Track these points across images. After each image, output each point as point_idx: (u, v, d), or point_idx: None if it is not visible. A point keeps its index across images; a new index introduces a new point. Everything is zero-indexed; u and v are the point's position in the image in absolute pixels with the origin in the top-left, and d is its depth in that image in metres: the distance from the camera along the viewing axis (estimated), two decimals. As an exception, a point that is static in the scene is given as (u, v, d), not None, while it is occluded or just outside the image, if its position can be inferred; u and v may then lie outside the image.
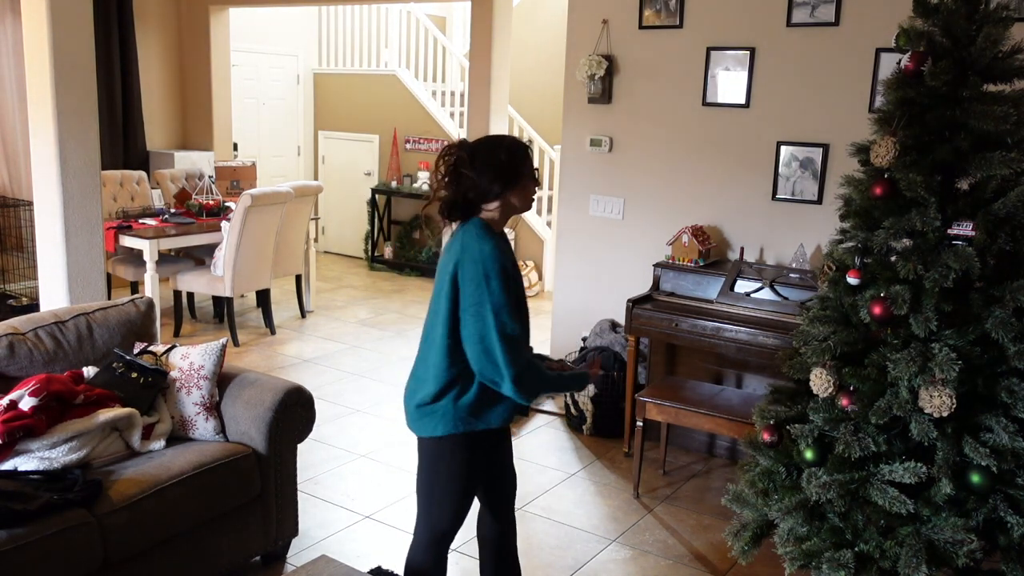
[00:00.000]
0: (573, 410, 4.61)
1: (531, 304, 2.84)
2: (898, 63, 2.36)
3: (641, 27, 4.58)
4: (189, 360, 3.10)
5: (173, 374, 3.08)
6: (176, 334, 6.11)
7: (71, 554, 2.43)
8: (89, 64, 4.17)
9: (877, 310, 2.25)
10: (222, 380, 3.15)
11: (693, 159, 4.52)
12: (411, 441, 4.37)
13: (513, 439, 3.26)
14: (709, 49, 4.39)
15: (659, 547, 3.47)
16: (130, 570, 2.63)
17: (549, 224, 8.05)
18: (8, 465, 2.60)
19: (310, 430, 3.21)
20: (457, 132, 8.38)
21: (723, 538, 2.62)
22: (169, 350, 3.17)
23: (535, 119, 8.70)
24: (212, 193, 6.65)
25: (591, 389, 4.48)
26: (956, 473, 2.20)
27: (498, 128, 6.74)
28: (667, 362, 4.44)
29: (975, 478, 2.17)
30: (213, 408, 3.07)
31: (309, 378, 5.27)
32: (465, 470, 2.38)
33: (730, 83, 4.36)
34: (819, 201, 4.17)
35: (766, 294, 4.06)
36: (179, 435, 3.04)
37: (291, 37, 9.21)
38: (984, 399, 2.23)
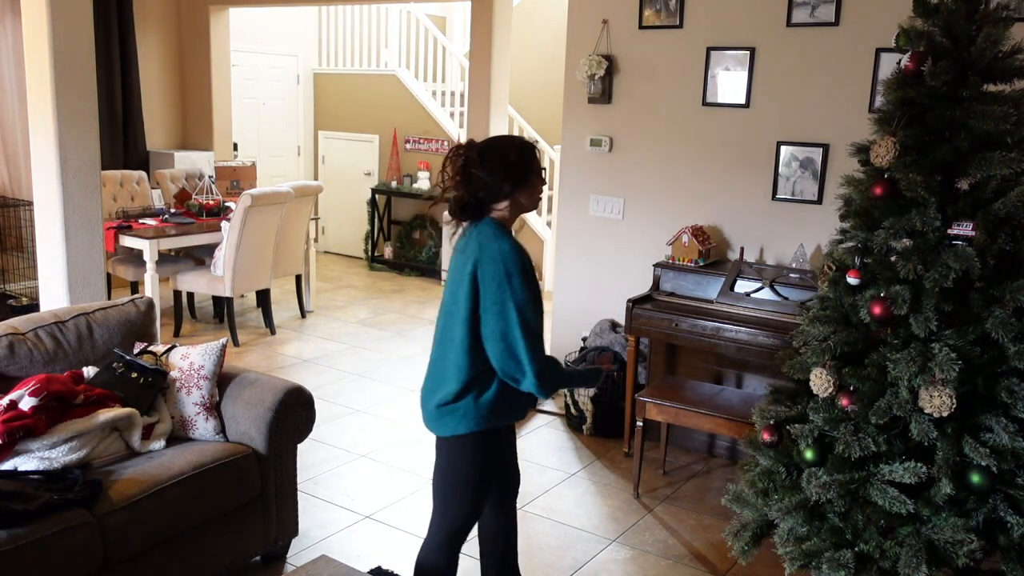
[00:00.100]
0: (573, 410, 4.61)
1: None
2: (898, 63, 2.36)
3: (641, 27, 4.59)
4: (189, 360, 3.11)
5: (173, 374, 3.08)
6: (176, 334, 6.11)
7: (71, 554, 2.43)
8: (89, 64, 4.17)
9: (877, 310, 2.26)
10: (222, 380, 3.15)
11: (693, 159, 4.52)
12: (411, 441, 4.41)
13: (513, 439, 3.26)
14: (709, 49, 4.39)
15: (659, 547, 3.47)
16: (130, 570, 2.63)
17: (549, 224, 8.05)
18: (8, 465, 2.60)
19: (310, 430, 3.21)
20: (457, 132, 8.37)
21: (723, 538, 2.62)
22: (169, 350, 3.17)
23: (535, 119, 8.70)
24: (212, 193, 6.65)
25: (591, 389, 4.49)
26: (956, 473, 2.20)
27: (498, 128, 6.74)
28: (667, 362, 4.44)
29: (975, 478, 2.18)
30: (213, 408, 3.07)
31: (309, 378, 5.27)
32: (486, 466, 2.41)
33: (730, 83, 4.36)
34: (819, 201, 4.17)
35: (766, 294, 4.06)
36: (179, 435, 3.04)
37: (291, 37, 9.21)
38: (984, 399, 2.23)
